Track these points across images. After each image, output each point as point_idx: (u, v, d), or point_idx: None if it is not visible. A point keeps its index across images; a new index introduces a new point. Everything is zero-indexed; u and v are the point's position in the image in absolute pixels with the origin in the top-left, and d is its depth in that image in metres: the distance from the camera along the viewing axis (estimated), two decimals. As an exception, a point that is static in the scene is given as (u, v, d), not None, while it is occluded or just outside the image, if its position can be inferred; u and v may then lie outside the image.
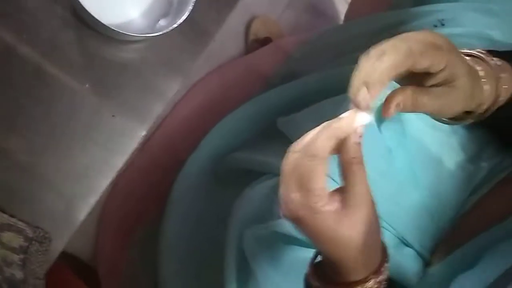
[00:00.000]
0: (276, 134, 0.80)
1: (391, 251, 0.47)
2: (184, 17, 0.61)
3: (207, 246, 0.83)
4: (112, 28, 0.58)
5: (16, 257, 0.56)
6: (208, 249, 0.82)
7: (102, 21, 0.57)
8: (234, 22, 1.30)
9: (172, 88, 0.66)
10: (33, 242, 0.57)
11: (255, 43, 1.28)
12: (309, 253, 0.49)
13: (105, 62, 0.62)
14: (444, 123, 0.52)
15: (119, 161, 0.62)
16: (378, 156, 0.64)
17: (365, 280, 0.44)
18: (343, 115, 0.41)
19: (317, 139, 0.40)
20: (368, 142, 0.65)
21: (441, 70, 0.43)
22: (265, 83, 1.04)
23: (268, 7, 1.39)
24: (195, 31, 0.67)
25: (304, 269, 0.49)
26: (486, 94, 0.48)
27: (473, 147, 0.64)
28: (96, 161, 0.61)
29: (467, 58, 0.48)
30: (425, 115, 0.64)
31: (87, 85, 0.61)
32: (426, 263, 0.62)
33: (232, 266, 0.69)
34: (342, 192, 0.42)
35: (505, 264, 0.45)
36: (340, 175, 0.42)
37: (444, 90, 0.44)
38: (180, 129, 1.08)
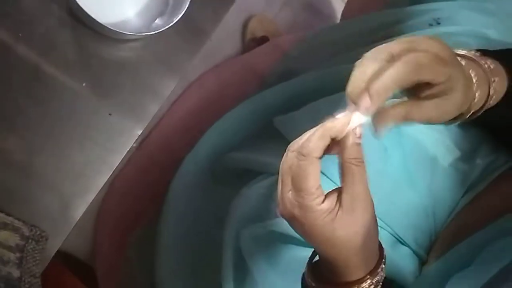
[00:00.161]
0: (273, 133, 0.80)
1: (387, 250, 0.47)
2: (180, 16, 0.61)
3: (204, 246, 0.83)
4: (109, 27, 0.58)
5: (12, 256, 0.55)
6: (205, 249, 0.82)
7: (99, 20, 0.57)
8: (231, 21, 1.30)
9: (168, 87, 0.66)
10: (30, 240, 0.57)
11: (252, 42, 1.28)
12: (306, 252, 0.49)
13: (102, 61, 0.62)
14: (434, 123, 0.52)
15: (116, 160, 0.62)
16: (374, 155, 0.64)
17: (362, 280, 0.44)
18: (338, 115, 0.41)
19: (310, 138, 0.40)
20: (364, 141, 0.65)
21: (440, 82, 0.43)
22: (262, 81, 1.04)
23: (265, 5, 1.38)
24: (191, 30, 0.67)
25: (301, 268, 0.49)
26: (477, 100, 0.48)
27: (468, 145, 0.64)
28: (93, 159, 0.61)
29: (462, 62, 0.48)
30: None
31: (84, 84, 0.61)
32: (422, 262, 0.62)
33: (229, 265, 0.69)
34: (340, 192, 0.42)
35: (501, 262, 0.45)
36: (339, 175, 0.42)
37: (437, 103, 0.44)
38: (177, 128, 1.08)
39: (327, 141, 0.41)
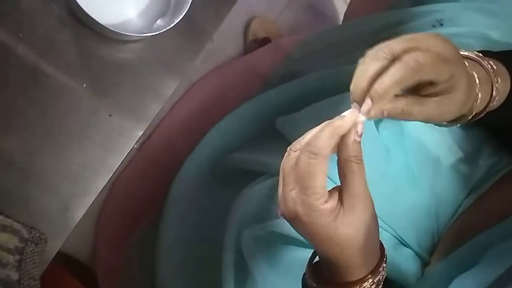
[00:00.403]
0: (275, 134, 0.80)
1: (389, 251, 0.47)
2: (181, 17, 0.61)
3: (205, 247, 0.83)
4: (110, 28, 0.58)
5: (11, 258, 0.55)
6: (206, 250, 0.82)
7: (99, 21, 0.57)
8: (233, 22, 1.30)
9: (169, 88, 0.66)
10: (29, 243, 0.56)
11: (254, 43, 1.28)
12: (307, 253, 0.49)
13: (102, 62, 0.62)
14: (436, 124, 0.52)
15: (116, 161, 0.62)
16: (376, 156, 0.64)
17: (363, 280, 0.44)
18: (345, 113, 0.41)
19: (319, 137, 0.40)
20: (366, 142, 0.65)
21: (442, 81, 0.43)
22: (264, 83, 1.04)
23: (267, 7, 1.38)
24: (192, 31, 0.67)
25: (301, 269, 0.49)
26: (479, 101, 0.48)
27: (470, 146, 0.63)
28: (93, 161, 0.61)
29: (465, 63, 0.48)
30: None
31: (84, 85, 0.61)
32: (425, 264, 0.62)
33: (230, 266, 0.69)
34: (340, 190, 0.42)
35: (505, 263, 0.45)
36: (338, 174, 0.42)
37: (439, 101, 0.44)
38: (179, 130, 1.08)
39: (336, 140, 0.41)
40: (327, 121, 0.41)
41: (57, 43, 0.60)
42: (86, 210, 0.60)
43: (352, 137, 0.40)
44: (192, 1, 0.62)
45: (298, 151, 0.41)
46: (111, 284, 0.98)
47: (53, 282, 0.69)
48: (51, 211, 0.59)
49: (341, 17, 1.37)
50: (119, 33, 0.58)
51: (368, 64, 0.40)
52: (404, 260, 0.60)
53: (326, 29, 1.05)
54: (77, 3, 0.56)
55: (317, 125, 0.42)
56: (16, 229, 0.56)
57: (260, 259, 0.65)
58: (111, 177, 0.62)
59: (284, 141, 0.74)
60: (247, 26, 1.32)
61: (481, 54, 0.50)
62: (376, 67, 0.40)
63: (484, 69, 0.49)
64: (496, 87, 0.49)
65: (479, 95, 0.47)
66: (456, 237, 0.58)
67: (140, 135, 0.64)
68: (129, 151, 0.63)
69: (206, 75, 1.18)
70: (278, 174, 0.42)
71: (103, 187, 0.61)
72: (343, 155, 0.41)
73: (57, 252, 0.59)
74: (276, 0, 1.42)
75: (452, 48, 0.43)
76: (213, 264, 0.73)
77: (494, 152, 0.63)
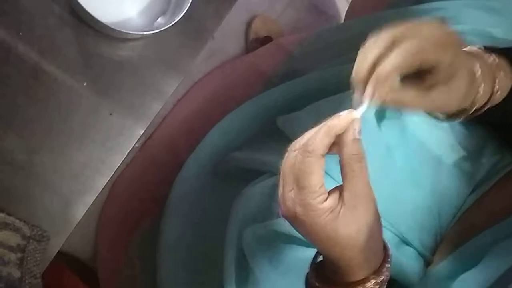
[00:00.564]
0: (276, 133, 0.80)
1: (392, 250, 0.47)
2: (181, 15, 0.61)
3: (206, 246, 0.83)
4: (110, 26, 0.58)
5: (13, 256, 0.55)
6: (208, 249, 0.82)
7: (100, 19, 0.57)
8: (235, 21, 1.30)
9: (170, 86, 0.66)
10: (31, 240, 0.56)
11: (256, 42, 1.28)
12: (309, 252, 0.49)
13: (103, 61, 0.62)
14: (438, 120, 0.52)
15: (117, 160, 0.62)
16: (378, 154, 0.64)
17: (365, 280, 0.43)
18: (341, 113, 0.41)
19: (315, 135, 0.40)
20: (368, 140, 0.65)
21: (442, 69, 0.43)
22: (266, 82, 1.04)
23: (269, 6, 1.38)
24: (193, 29, 0.67)
25: (303, 268, 0.49)
26: (480, 94, 0.47)
27: (473, 145, 0.63)
28: (93, 159, 0.61)
29: (467, 55, 0.47)
30: (426, 115, 0.64)
31: (84, 84, 0.61)
32: (427, 263, 0.61)
33: (231, 265, 0.69)
34: (342, 190, 0.41)
35: (508, 262, 0.44)
36: (341, 173, 0.41)
37: (440, 90, 0.44)
38: (180, 129, 1.08)
39: (332, 139, 0.40)
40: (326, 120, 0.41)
41: (57, 42, 0.60)
42: (87, 209, 0.60)
43: (351, 135, 0.40)
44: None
45: (296, 151, 0.41)
46: (113, 283, 0.98)
47: (54, 280, 0.69)
48: (51, 210, 0.59)
49: (343, 16, 1.37)
50: (119, 31, 0.58)
51: (367, 51, 0.41)
52: (406, 259, 0.60)
53: (328, 28, 1.05)
54: (77, 1, 0.56)
55: (318, 125, 0.42)
56: (18, 227, 0.56)
57: (261, 258, 0.65)
58: (112, 176, 0.62)
59: (285, 140, 0.73)
60: (248, 25, 1.32)
61: (483, 47, 0.50)
62: (376, 54, 0.40)
63: (486, 63, 0.48)
64: (499, 81, 0.48)
65: (481, 87, 0.47)
66: (459, 236, 0.58)
67: (141, 134, 0.64)
68: (130, 150, 0.63)
69: (207, 75, 1.18)
70: (279, 173, 0.42)
71: (104, 186, 0.61)
72: (343, 154, 0.41)
73: (59, 251, 0.59)
74: (278, -1, 1.42)
75: (451, 35, 0.43)
76: (215, 263, 0.73)
77: (496, 150, 0.63)
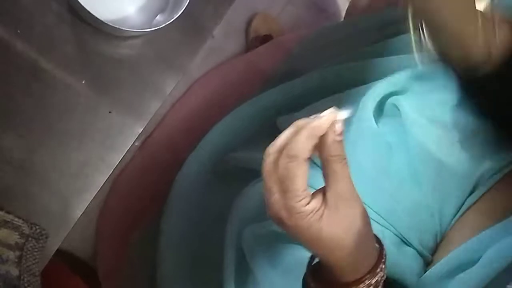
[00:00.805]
0: (277, 133, 0.79)
1: (391, 250, 0.47)
2: (180, 12, 0.60)
3: (206, 245, 0.83)
4: (109, 23, 0.57)
5: (12, 254, 0.55)
6: (207, 248, 0.82)
7: (99, 17, 0.57)
8: (235, 19, 1.30)
9: (169, 84, 0.66)
10: (30, 238, 0.56)
11: (256, 41, 1.28)
12: (308, 252, 0.49)
13: (102, 58, 0.62)
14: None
15: (116, 158, 0.62)
16: (378, 153, 0.64)
17: (359, 281, 0.43)
18: (323, 113, 0.41)
19: (297, 140, 0.40)
20: (368, 139, 0.65)
21: None
22: (266, 80, 1.04)
23: (269, 4, 1.38)
24: (192, 27, 0.67)
25: (302, 268, 0.49)
26: (498, 41, 0.47)
27: (474, 144, 0.63)
28: (92, 158, 0.60)
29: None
30: (425, 112, 0.63)
31: (83, 82, 0.61)
32: (427, 263, 0.61)
33: (230, 265, 0.69)
34: (324, 191, 0.41)
35: (504, 262, 0.44)
36: (322, 174, 0.41)
37: None
38: (180, 127, 1.08)
39: (315, 141, 0.40)
40: (301, 121, 0.41)
41: (56, 40, 0.60)
42: (86, 208, 0.60)
43: (331, 137, 0.40)
44: (191, -3, 0.62)
45: (274, 154, 0.40)
46: (112, 282, 0.98)
47: (53, 279, 0.69)
48: (50, 208, 0.59)
49: (343, 14, 1.37)
50: (118, 28, 0.58)
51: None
52: (406, 259, 0.59)
53: (328, 26, 1.05)
54: (76, -1, 0.56)
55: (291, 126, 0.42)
56: (17, 225, 0.56)
57: (260, 258, 0.65)
58: (111, 174, 0.62)
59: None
60: (248, 23, 1.32)
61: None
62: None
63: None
64: (499, 30, 0.48)
65: (496, 33, 0.47)
66: (459, 236, 0.58)
67: (140, 132, 0.64)
68: (128, 148, 0.63)
69: (207, 73, 1.18)
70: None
71: (103, 184, 0.61)
72: (324, 155, 0.40)
73: (58, 249, 0.59)
74: (278, -3, 1.41)
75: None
76: (214, 263, 0.73)
77: (497, 150, 0.63)
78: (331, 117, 0.40)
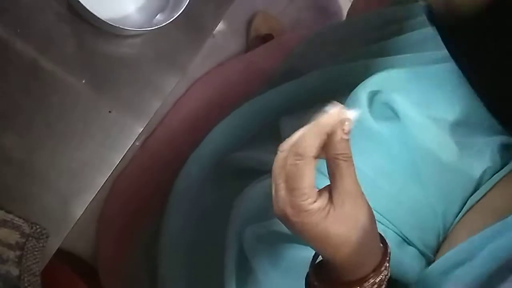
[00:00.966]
0: (278, 133, 0.80)
1: (393, 249, 0.47)
2: (180, 11, 0.60)
3: (207, 244, 0.83)
4: (109, 22, 0.57)
5: (12, 254, 0.55)
6: (208, 247, 0.82)
7: (99, 16, 0.57)
8: (235, 19, 1.30)
9: (170, 84, 0.65)
10: (30, 238, 0.56)
11: (256, 40, 1.28)
12: (309, 252, 0.49)
13: (102, 57, 0.62)
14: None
15: (116, 158, 0.61)
16: (380, 153, 0.63)
17: (364, 279, 0.43)
18: (330, 111, 0.41)
19: (305, 138, 0.40)
20: (369, 140, 0.65)
21: None
22: (267, 80, 1.04)
23: (270, 3, 1.38)
24: (192, 26, 0.67)
25: (303, 267, 0.49)
26: None
27: (475, 144, 0.63)
28: (93, 157, 0.60)
29: None
30: (425, 112, 0.63)
31: (83, 81, 0.60)
32: (429, 262, 0.61)
33: (231, 264, 0.69)
34: (330, 189, 0.41)
35: (499, 260, 0.44)
36: (328, 172, 0.41)
37: None
38: (182, 127, 1.08)
39: (323, 139, 0.40)
40: (314, 120, 0.41)
41: (55, 38, 0.59)
42: (87, 207, 0.60)
43: (339, 135, 0.40)
44: (192, -4, 0.61)
45: (285, 151, 0.40)
46: (113, 281, 0.98)
47: (53, 278, 0.69)
48: (51, 208, 0.58)
49: (345, 13, 1.37)
50: (118, 27, 0.58)
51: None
52: (408, 259, 0.59)
53: (329, 25, 1.05)
54: (76, -3, 0.56)
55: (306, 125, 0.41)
56: (17, 224, 0.56)
57: (262, 257, 0.65)
58: (111, 173, 0.62)
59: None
60: (249, 23, 1.32)
61: None
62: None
63: None
64: None
65: None
66: (460, 236, 0.58)
67: (140, 132, 0.63)
68: (129, 147, 0.62)
69: (208, 73, 1.18)
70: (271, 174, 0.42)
71: (104, 184, 0.61)
72: (330, 153, 0.40)
73: (58, 249, 0.59)
74: (279, -4, 1.41)
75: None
76: (215, 262, 0.73)
77: (499, 150, 0.63)
78: (337, 114, 0.40)
